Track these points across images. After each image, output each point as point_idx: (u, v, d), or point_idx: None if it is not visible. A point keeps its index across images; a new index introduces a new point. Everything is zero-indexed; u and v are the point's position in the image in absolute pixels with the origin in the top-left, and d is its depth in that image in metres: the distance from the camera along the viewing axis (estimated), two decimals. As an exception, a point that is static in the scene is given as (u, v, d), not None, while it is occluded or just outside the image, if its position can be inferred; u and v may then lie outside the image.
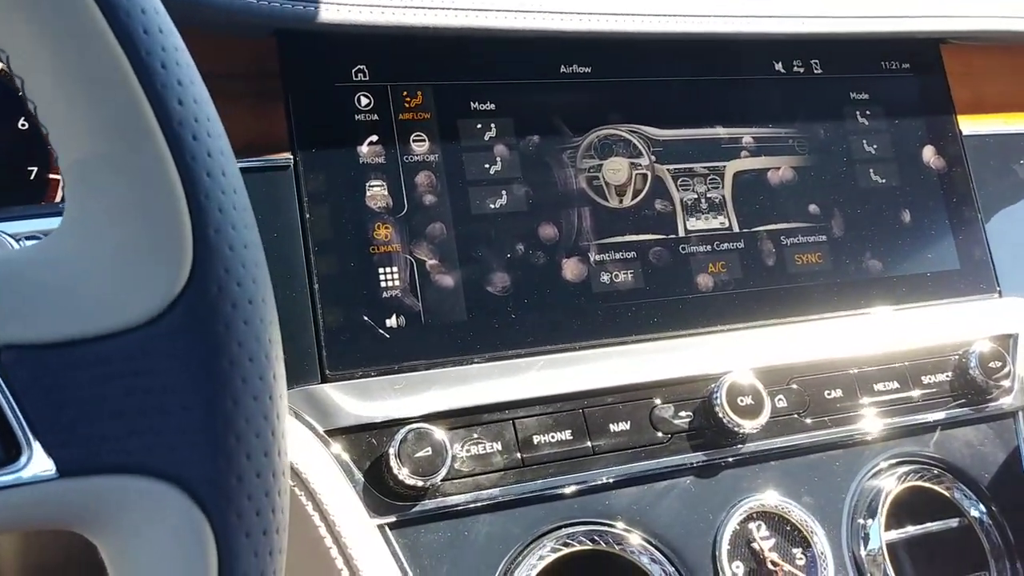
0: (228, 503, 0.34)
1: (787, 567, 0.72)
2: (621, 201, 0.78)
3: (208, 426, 0.34)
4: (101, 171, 0.34)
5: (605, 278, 0.76)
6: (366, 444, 0.67)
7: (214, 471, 0.34)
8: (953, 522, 0.79)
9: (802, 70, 0.88)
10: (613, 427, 0.72)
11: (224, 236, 0.35)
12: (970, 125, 0.93)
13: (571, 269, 0.75)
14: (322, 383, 0.67)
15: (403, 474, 0.64)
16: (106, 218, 0.34)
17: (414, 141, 0.73)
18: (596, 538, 0.69)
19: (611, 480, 0.71)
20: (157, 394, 0.34)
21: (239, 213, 0.36)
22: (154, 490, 0.34)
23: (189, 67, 0.36)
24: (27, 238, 0.54)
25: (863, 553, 0.75)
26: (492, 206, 0.74)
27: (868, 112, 0.89)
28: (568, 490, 0.70)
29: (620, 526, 0.70)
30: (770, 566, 0.71)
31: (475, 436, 0.69)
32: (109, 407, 0.33)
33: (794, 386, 0.78)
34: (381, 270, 0.70)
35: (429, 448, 0.64)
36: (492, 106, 0.76)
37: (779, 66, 0.87)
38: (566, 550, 0.68)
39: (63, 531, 0.36)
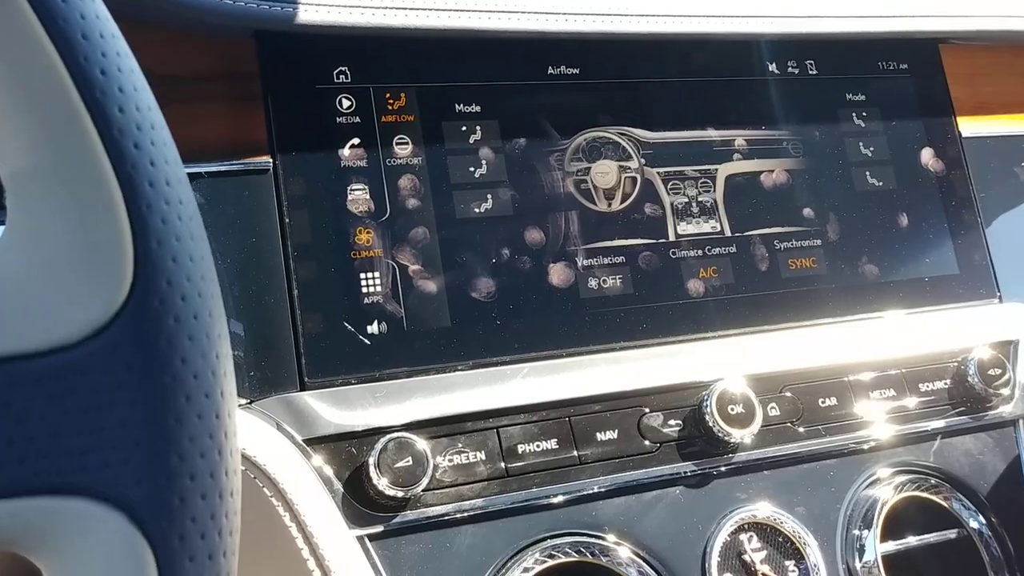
0: (170, 526, 0.32)
1: (779, 580, 0.70)
2: (610, 205, 0.77)
3: (148, 446, 0.32)
4: (40, 181, 0.33)
5: (593, 283, 0.75)
6: (345, 453, 0.65)
7: (155, 492, 0.32)
8: (951, 533, 0.77)
9: (797, 71, 0.86)
10: (600, 436, 0.71)
11: (167, 248, 0.33)
12: (970, 127, 0.91)
13: (558, 274, 0.74)
14: (301, 391, 0.66)
15: (383, 484, 0.63)
16: (44, 230, 0.33)
17: (397, 144, 0.72)
18: (582, 550, 0.68)
19: (598, 490, 0.70)
20: (95, 413, 0.32)
21: (184, 223, 0.34)
22: (93, 512, 0.32)
23: (132, 73, 0.35)
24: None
25: (858, 565, 0.73)
26: (477, 210, 0.73)
27: (865, 114, 0.87)
28: (553, 500, 0.69)
29: (607, 537, 0.69)
30: (761, 579, 0.70)
31: (458, 445, 0.68)
32: (46, 426, 0.32)
33: (787, 394, 0.77)
34: (363, 275, 0.69)
35: (410, 458, 0.63)
36: (477, 108, 0.75)
37: (773, 67, 0.85)
38: (551, 562, 0.66)
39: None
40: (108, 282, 0.33)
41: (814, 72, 0.87)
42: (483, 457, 0.68)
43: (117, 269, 0.33)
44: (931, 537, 0.77)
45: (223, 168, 0.68)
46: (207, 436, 0.33)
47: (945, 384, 0.81)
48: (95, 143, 0.33)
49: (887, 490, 0.76)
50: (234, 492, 0.35)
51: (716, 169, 0.81)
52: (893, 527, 0.75)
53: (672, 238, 0.78)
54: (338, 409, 0.66)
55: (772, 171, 0.82)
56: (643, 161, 0.79)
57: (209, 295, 0.35)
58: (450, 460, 0.67)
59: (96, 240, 0.33)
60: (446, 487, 0.66)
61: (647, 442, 0.72)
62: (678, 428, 0.73)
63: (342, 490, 0.64)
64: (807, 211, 0.83)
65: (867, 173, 0.86)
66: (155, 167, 0.34)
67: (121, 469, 0.32)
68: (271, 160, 0.69)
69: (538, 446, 0.69)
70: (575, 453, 0.70)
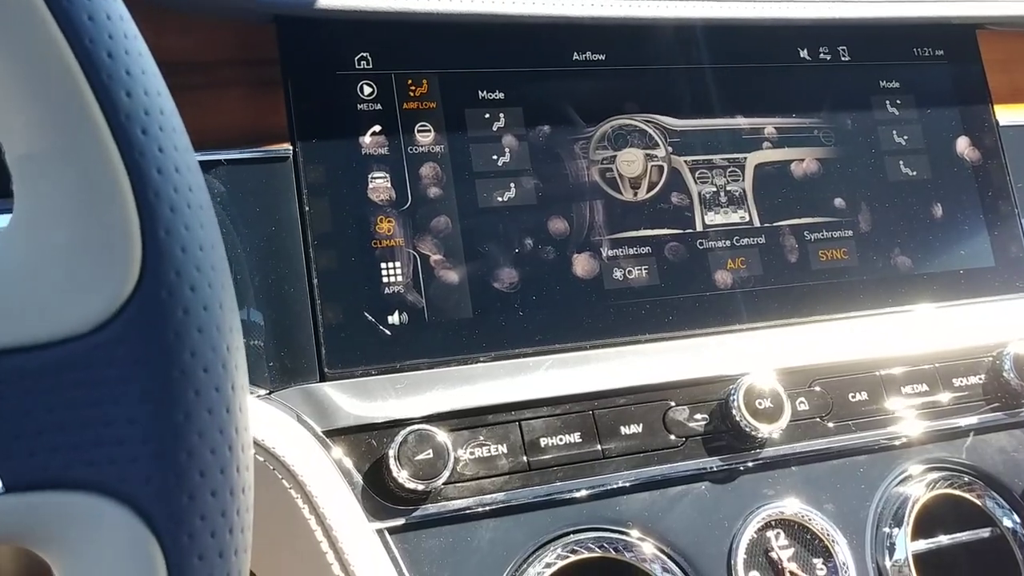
0: (179, 524, 0.31)
1: (806, 578, 0.69)
2: (635, 194, 0.75)
3: (157, 441, 0.31)
4: (46, 168, 0.32)
5: (618, 274, 0.73)
6: (365, 446, 0.64)
7: (164, 489, 0.31)
8: (985, 532, 0.75)
9: (829, 57, 0.84)
10: (624, 430, 0.69)
11: (176, 237, 0.32)
12: (1007, 115, 0.89)
13: (582, 265, 0.73)
14: (321, 382, 0.65)
15: (403, 477, 0.62)
16: (50, 218, 0.32)
17: (419, 131, 0.71)
18: (605, 545, 0.66)
19: (622, 485, 0.68)
20: (103, 407, 0.31)
21: (194, 212, 0.33)
22: (101, 508, 0.31)
23: (141, 56, 0.34)
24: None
25: (888, 564, 0.71)
26: (500, 199, 0.72)
27: (899, 101, 0.85)
28: (576, 495, 0.67)
29: (631, 533, 0.68)
30: (788, 577, 0.68)
31: (479, 438, 0.66)
32: (53, 419, 0.31)
33: (816, 388, 0.75)
34: (383, 265, 0.68)
35: (430, 450, 0.62)
36: (501, 95, 0.73)
37: (804, 53, 0.83)
38: (573, 557, 0.65)
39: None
40: (115, 272, 0.32)
41: (847, 58, 0.84)
42: (505, 450, 0.67)
43: (124, 259, 0.32)
44: (963, 536, 0.75)
45: (242, 155, 0.67)
46: (217, 431, 0.32)
47: (979, 379, 0.79)
48: (101, 129, 0.32)
49: (919, 487, 0.74)
50: (246, 488, 0.34)
51: (745, 158, 0.79)
52: (924, 525, 0.73)
53: (699, 228, 0.76)
54: (358, 400, 0.65)
55: (803, 160, 0.81)
56: (670, 149, 0.77)
57: (220, 285, 0.34)
58: (471, 453, 0.66)
59: (102, 229, 0.32)
60: (467, 480, 0.65)
61: (672, 436, 0.71)
62: (704, 422, 0.71)
63: (362, 483, 0.64)
64: (838, 201, 0.81)
65: (900, 162, 0.84)
66: (164, 153, 0.33)
67: (129, 466, 0.31)
68: (291, 147, 0.68)
69: (561, 439, 0.68)
70: (599, 447, 0.69)
